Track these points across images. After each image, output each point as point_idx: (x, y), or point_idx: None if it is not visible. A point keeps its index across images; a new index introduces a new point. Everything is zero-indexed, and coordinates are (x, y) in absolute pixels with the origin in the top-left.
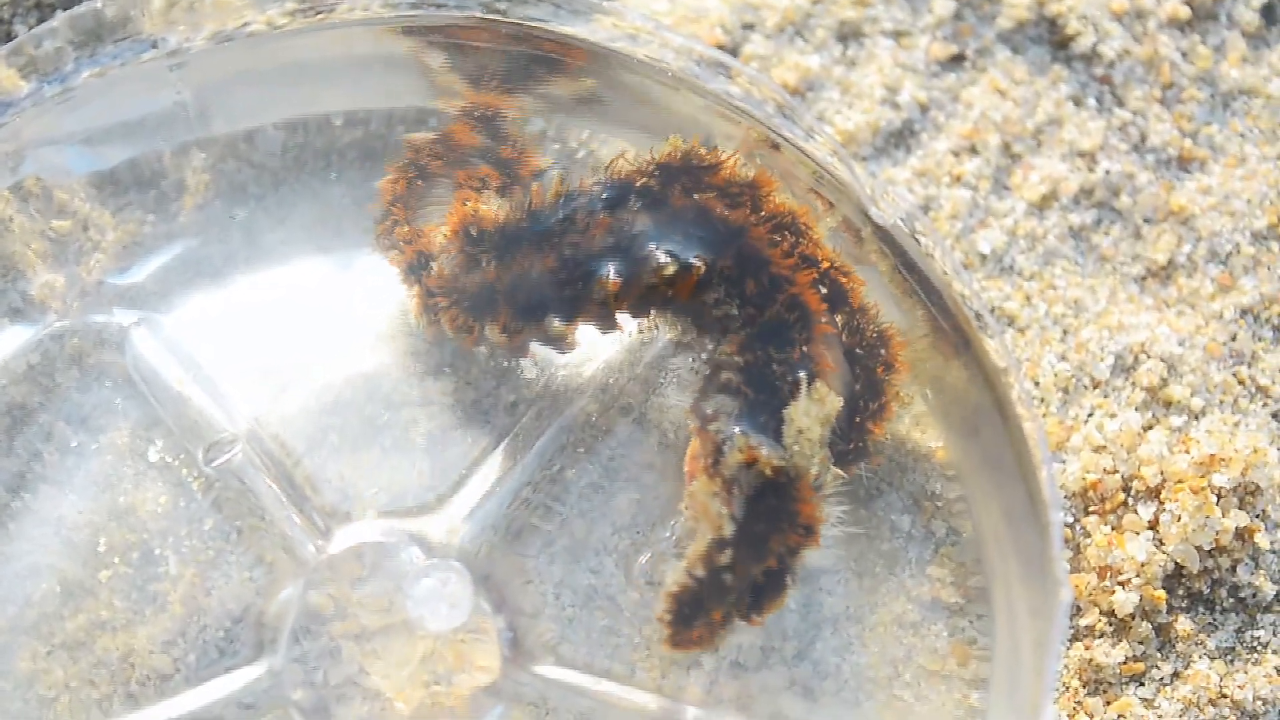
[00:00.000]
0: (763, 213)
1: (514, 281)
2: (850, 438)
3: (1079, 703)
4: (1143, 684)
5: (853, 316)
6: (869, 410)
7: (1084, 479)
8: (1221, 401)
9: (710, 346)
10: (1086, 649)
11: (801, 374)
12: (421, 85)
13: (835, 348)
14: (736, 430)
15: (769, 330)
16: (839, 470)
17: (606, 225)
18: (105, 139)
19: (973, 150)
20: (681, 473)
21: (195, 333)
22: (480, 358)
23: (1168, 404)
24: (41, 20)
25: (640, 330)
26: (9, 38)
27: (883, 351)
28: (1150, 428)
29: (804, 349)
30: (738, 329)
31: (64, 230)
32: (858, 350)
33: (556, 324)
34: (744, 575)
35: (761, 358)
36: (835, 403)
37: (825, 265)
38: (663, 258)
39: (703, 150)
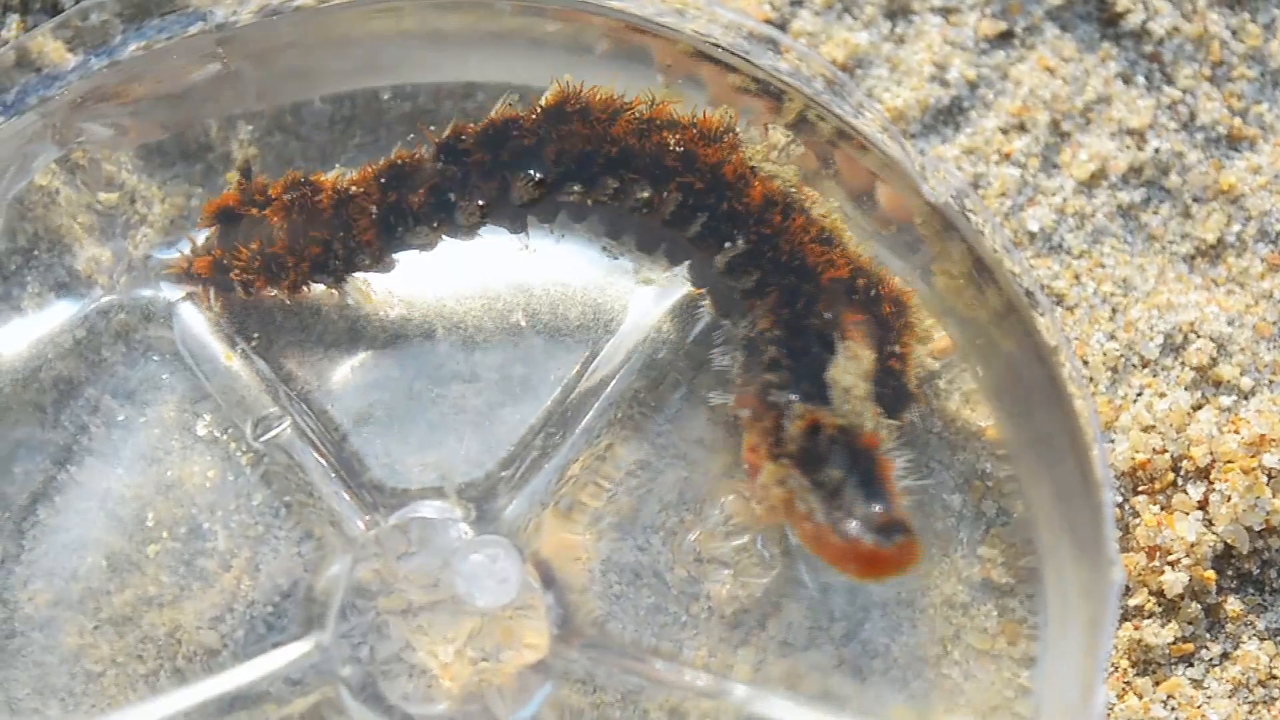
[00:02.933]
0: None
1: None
2: (887, 384)
3: (1128, 683)
4: (1192, 664)
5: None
6: (892, 352)
7: (1133, 458)
8: (1271, 381)
9: (738, 326)
10: (1135, 629)
11: (833, 333)
12: (468, 60)
13: (849, 301)
14: (791, 399)
15: (791, 297)
16: (890, 421)
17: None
18: (152, 112)
19: (1021, 128)
20: (730, 448)
21: (243, 307)
22: (528, 335)
23: (1217, 383)
24: None
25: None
26: (56, 11)
27: (887, 296)
28: (1199, 407)
29: (825, 310)
30: (763, 296)
31: (111, 203)
32: (869, 300)
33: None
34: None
35: (793, 327)
36: (869, 356)
37: (813, 216)
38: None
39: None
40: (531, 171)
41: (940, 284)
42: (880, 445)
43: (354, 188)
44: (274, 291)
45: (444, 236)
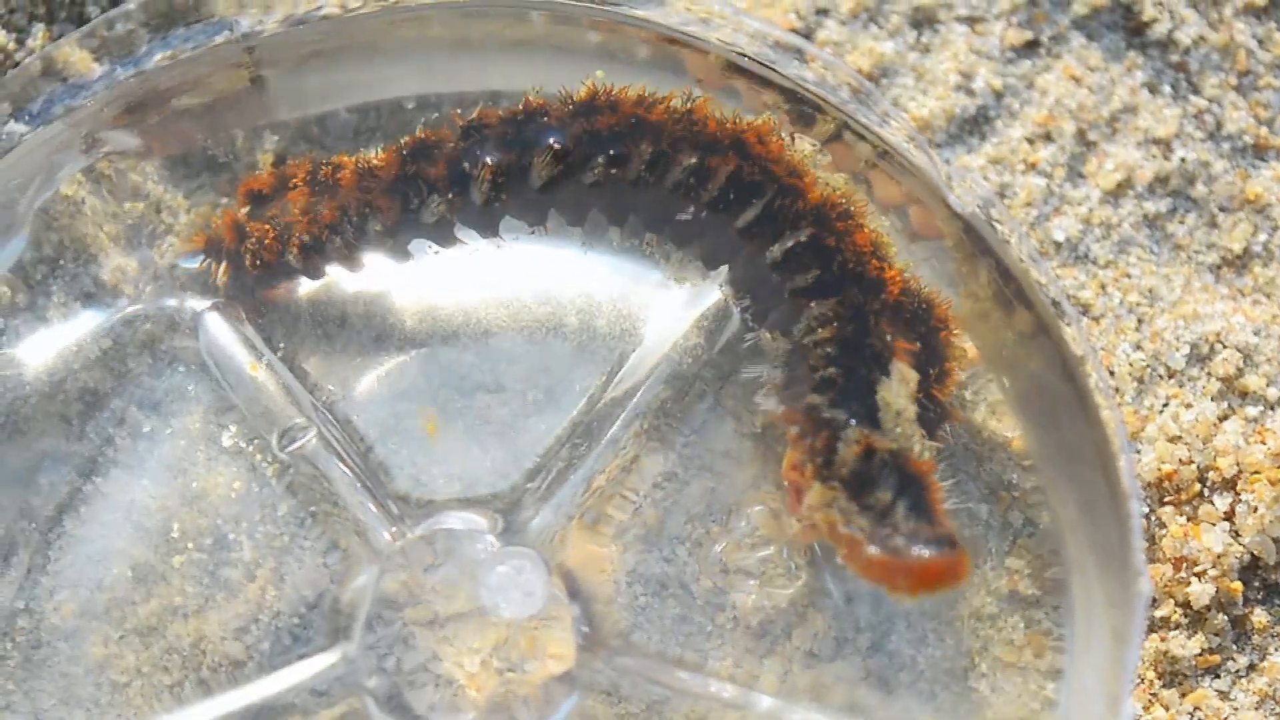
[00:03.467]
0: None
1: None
2: (926, 406)
3: (1154, 695)
4: (1218, 676)
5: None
6: (934, 375)
7: (1159, 469)
8: None
9: (779, 334)
10: (1162, 641)
11: (888, 355)
12: (492, 68)
13: (901, 323)
14: (847, 421)
15: (854, 309)
16: (931, 442)
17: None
18: (178, 122)
19: (1047, 137)
20: (756, 459)
21: (268, 317)
22: (554, 346)
23: (1243, 394)
24: (115, 3)
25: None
26: (82, 20)
27: (932, 316)
28: (1226, 418)
29: (887, 328)
30: (820, 298)
31: (137, 213)
32: (911, 319)
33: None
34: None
35: (851, 343)
36: (914, 377)
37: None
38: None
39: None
40: (551, 142)
41: (967, 306)
42: (933, 471)
43: (376, 162)
44: (288, 267)
45: (459, 222)
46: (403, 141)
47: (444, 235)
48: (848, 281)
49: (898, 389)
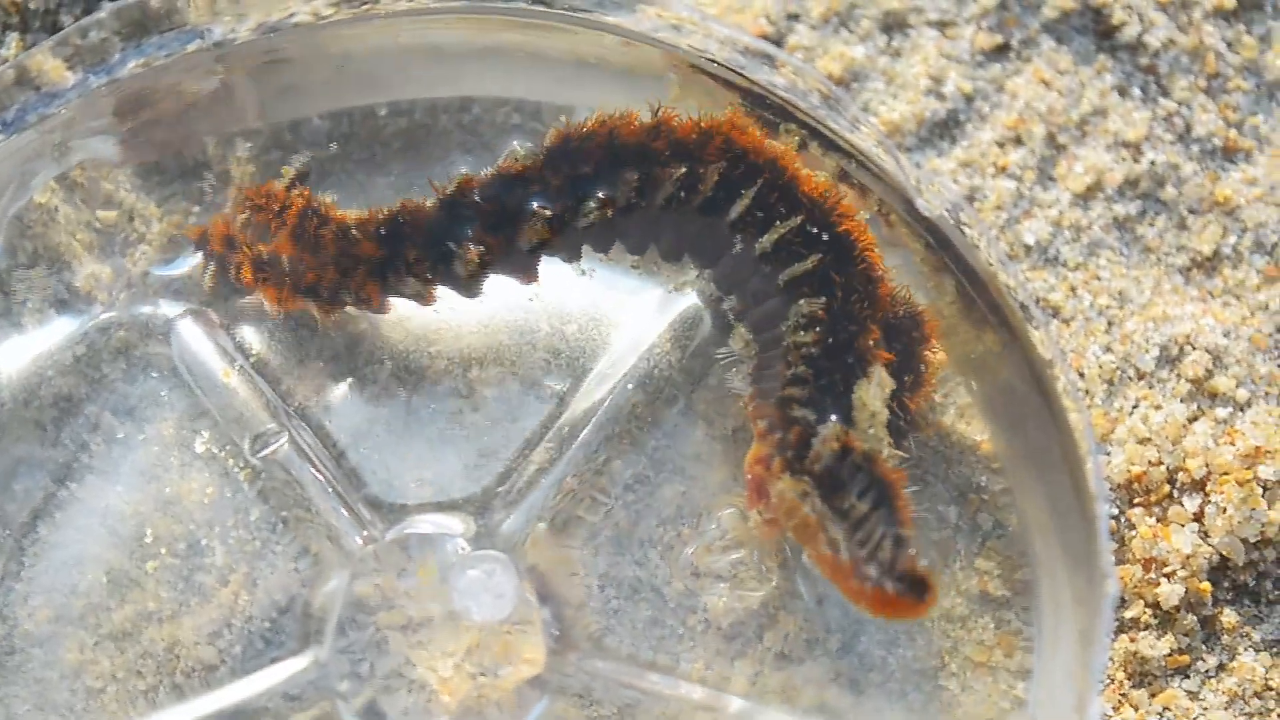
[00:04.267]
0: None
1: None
2: (897, 414)
3: (1124, 695)
4: (1188, 676)
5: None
6: (908, 385)
7: (1129, 471)
8: (1267, 393)
9: (762, 330)
10: (1131, 641)
11: (870, 358)
12: (464, 74)
13: (885, 327)
14: (831, 420)
15: (845, 304)
16: (896, 451)
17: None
18: (150, 130)
19: (1017, 141)
20: (727, 463)
21: (241, 324)
22: (525, 351)
23: (1213, 395)
24: (88, 11)
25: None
26: (56, 29)
27: (915, 329)
28: (1195, 419)
29: (870, 334)
30: (811, 295)
31: (110, 221)
32: (893, 327)
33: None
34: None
35: (833, 345)
36: (890, 384)
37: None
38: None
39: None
40: (537, 207)
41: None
42: (902, 479)
43: (355, 231)
44: (264, 298)
45: (441, 287)
46: (380, 220)
47: (424, 297)
48: (840, 275)
49: (875, 392)
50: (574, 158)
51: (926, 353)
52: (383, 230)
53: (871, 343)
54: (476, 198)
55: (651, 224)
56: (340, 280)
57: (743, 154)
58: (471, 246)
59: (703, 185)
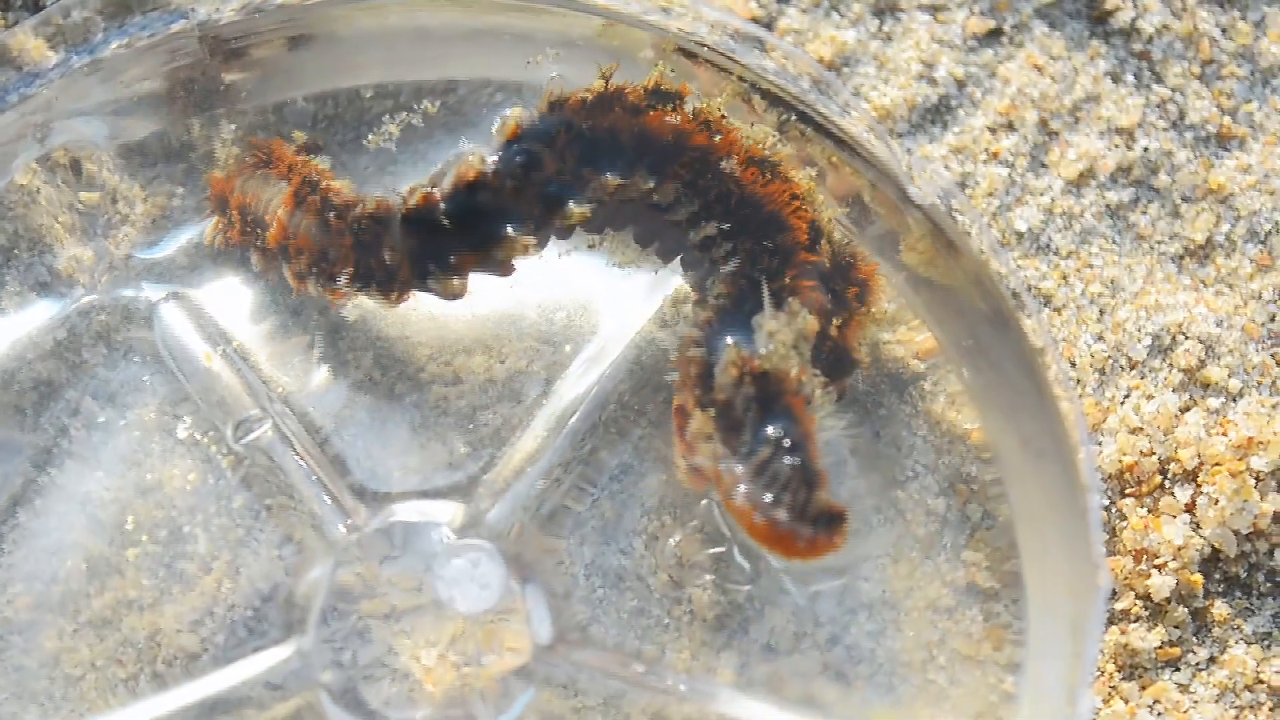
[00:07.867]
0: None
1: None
2: (832, 352)
3: (1114, 687)
4: (1178, 669)
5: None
6: (840, 324)
7: (1120, 461)
8: (1260, 383)
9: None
10: (1122, 633)
11: (784, 292)
12: (448, 57)
13: (814, 274)
14: (728, 342)
15: (751, 260)
16: (833, 385)
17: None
18: (134, 110)
19: (1010, 127)
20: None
21: (224, 309)
22: (512, 339)
23: (1205, 385)
24: None
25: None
26: (37, 8)
27: (854, 269)
28: (1187, 409)
29: (784, 276)
30: (724, 259)
31: (92, 203)
32: (831, 272)
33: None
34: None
35: (744, 288)
36: (808, 320)
37: (797, 193)
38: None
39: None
40: (510, 232)
41: (925, 291)
42: (806, 400)
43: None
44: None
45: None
46: (359, 213)
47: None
48: (751, 225)
49: (785, 320)
50: (541, 163)
51: (865, 292)
52: (362, 236)
53: (788, 280)
54: (443, 212)
55: (613, 216)
56: (321, 266)
57: (666, 138)
58: (452, 279)
59: (659, 196)
